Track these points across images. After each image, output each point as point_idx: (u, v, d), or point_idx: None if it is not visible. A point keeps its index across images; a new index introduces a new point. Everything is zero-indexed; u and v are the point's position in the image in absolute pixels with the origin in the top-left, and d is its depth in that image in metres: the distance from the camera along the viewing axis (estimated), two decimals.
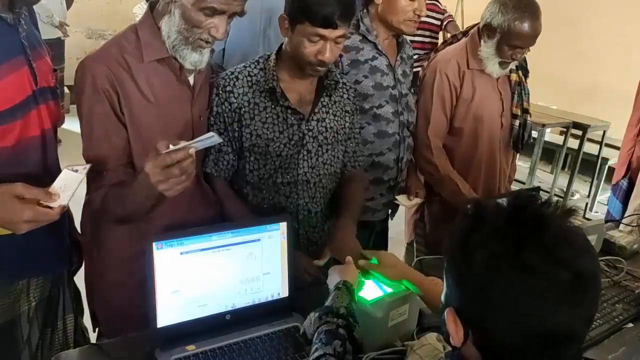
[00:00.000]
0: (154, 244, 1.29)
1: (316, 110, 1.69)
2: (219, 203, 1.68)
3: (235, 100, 1.62)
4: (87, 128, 1.39)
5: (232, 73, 1.64)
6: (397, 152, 2.07)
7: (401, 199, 2.19)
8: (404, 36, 2.11)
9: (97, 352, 1.32)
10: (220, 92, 1.63)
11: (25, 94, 1.28)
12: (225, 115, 1.63)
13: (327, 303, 1.25)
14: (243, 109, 1.62)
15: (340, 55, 1.90)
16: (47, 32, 4.69)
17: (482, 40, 2.11)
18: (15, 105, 1.25)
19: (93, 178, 1.39)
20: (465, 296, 0.82)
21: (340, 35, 1.54)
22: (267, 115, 1.63)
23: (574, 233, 0.80)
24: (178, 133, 1.45)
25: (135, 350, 1.31)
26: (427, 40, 3.82)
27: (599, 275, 0.81)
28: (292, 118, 1.64)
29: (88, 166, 1.26)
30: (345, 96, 1.78)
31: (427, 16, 3.12)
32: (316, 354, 1.09)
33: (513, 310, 0.76)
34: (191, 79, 1.50)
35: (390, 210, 2.25)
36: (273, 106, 1.63)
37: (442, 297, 0.89)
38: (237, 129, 1.63)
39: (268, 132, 1.63)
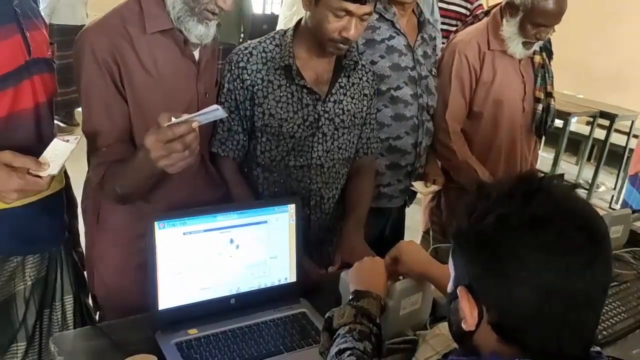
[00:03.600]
0: (155, 223, 1.24)
1: (333, 91, 1.62)
2: (225, 185, 1.63)
3: (248, 77, 1.55)
4: (87, 102, 1.35)
5: (246, 48, 1.58)
6: (415, 136, 1.97)
7: (418, 185, 2.10)
8: (424, 15, 2.01)
9: (97, 334, 1.28)
10: (233, 67, 1.56)
11: (17, 63, 1.24)
12: (237, 92, 1.57)
13: (361, 304, 1.14)
14: (256, 87, 1.56)
15: None
16: (70, 18, 4.66)
17: (504, 20, 2.01)
18: (5, 74, 1.21)
19: (92, 154, 1.35)
20: (477, 269, 0.78)
21: (367, 12, 1.47)
22: (282, 94, 1.57)
23: (580, 197, 0.79)
24: (182, 110, 1.39)
25: (136, 333, 1.27)
26: (454, 29, 3.70)
27: (609, 240, 0.78)
28: (308, 98, 1.58)
29: (79, 136, 1.22)
30: (365, 78, 1.71)
31: (456, 4, 3.00)
32: (344, 345, 1.01)
33: (526, 269, 0.73)
34: (196, 54, 1.44)
35: (407, 197, 2.17)
36: (288, 84, 1.57)
37: (450, 284, 0.85)
38: (249, 107, 1.57)
39: (282, 112, 1.57)
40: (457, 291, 0.80)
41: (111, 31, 1.32)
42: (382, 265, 1.32)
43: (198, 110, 1.41)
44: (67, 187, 1.50)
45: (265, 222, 1.39)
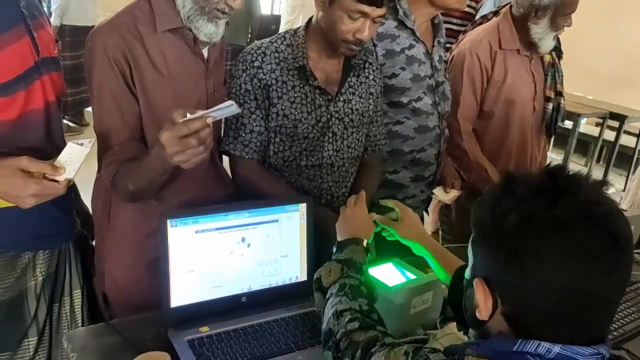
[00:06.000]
0: (168, 221, 1.25)
1: (343, 90, 1.62)
2: (233, 183, 1.62)
3: (264, 77, 1.54)
4: (98, 100, 1.35)
5: (259, 48, 1.57)
6: (437, 146, 1.93)
7: (438, 192, 2.06)
8: (439, 17, 1.95)
9: (109, 331, 1.29)
10: (248, 67, 1.55)
11: (27, 64, 1.25)
12: (256, 92, 1.55)
13: (345, 255, 1.18)
14: (272, 87, 1.55)
15: (375, 45, 1.79)
16: (81, 19, 4.68)
17: (530, 24, 2.01)
18: (17, 77, 1.22)
19: (104, 154, 1.36)
20: (496, 263, 0.78)
21: (382, 14, 1.46)
22: (296, 95, 1.56)
23: (608, 197, 0.77)
24: (191, 108, 1.40)
25: (148, 330, 1.27)
26: (461, 29, 3.69)
27: (632, 244, 0.77)
28: (320, 99, 1.58)
29: (93, 140, 1.23)
30: (372, 77, 1.70)
31: None
32: (340, 307, 1.02)
33: (546, 270, 0.73)
34: (205, 53, 1.45)
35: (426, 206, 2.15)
36: (302, 85, 1.56)
37: (468, 271, 0.85)
38: (267, 107, 1.56)
39: (296, 113, 1.56)
40: (474, 282, 0.81)
41: (122, 30, 1.32)
42: (365, 210, 1.35)
43: (207, 108, 1.42)
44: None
45: (277, 221, 1.40)
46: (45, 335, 1.43)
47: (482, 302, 0.79)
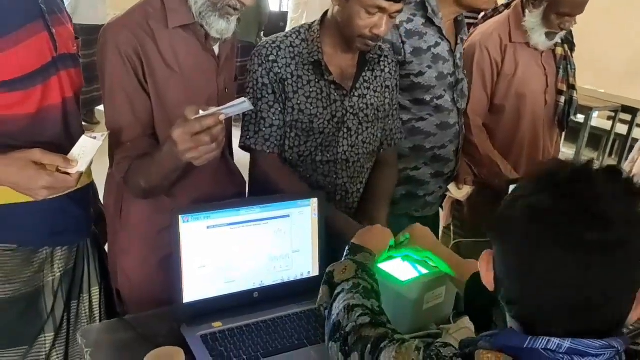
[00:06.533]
0: (180, 216, 1.25)
1: (357, 85, 1.60)
2: (244, 179, 1.62)
3: (279, 71, 1.53)
4: (110, 96, 1.36)
5: (274, 42, 1.56)
6: (456, 143, 1.94)
7: (452, 189, 2.07)
8: (462, 14, 1.93)
9: (123, 326, 1.29)
10: (264, 61, 1.54)
11: (45, 59, 1.26)
12: (274, 85, 1.54)
13: (360, 259, 1.18)
14: (287, 81, 1.54)
15: (403, 42, 1.79)
16: (91, 18, 4.70)
17: (526, 11, 1.99)
18: (34, 71, 1.22)
19: (116, 150, 1.36)
20: (498, 248, 0.79)
21: (399, 10, 1.45)
22: (311, 90, 1.55)
23: (623, 193, 0.74)
24: (202, 104, 1.40)
25: (162, 325, 1.28)
26: (470, 21, 3.67)
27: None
28: (335, 94, 1.57)
29: (106, 133, 1.25)
30: (387, 70, 1.68)
31: None
32: (353, 302, 1.01)
33: (545, 265, 0.72)
34: (216, 49, 1.44)
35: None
36: (317, 80, 1.56)
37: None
38: (284, 100, 1.55)
39: (311, 108, 1.55)
40: (483, 252, 0.82)
41: (134, 26, 1.32)
42: (389, 234, 1.34)
43: (217, 105, 1.42)
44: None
45: (288, 216, 1.40)
46: (63, 331, 1.44)
47: (484, 272, 0.82)
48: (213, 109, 1.14)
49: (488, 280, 0.82)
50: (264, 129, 1.56)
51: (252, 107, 1.18)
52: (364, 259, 1.18)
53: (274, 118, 1.56)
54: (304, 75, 1.55)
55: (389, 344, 0.85)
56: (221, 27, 1.34)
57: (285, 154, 1.61)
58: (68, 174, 1.16)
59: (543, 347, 0.72)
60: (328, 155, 1.61)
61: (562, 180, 0.74)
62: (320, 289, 1.15)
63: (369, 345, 0.88)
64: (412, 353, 0.80)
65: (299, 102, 1.55)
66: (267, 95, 1.55)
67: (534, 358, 0.72)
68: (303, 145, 1.59)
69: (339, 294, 1.06)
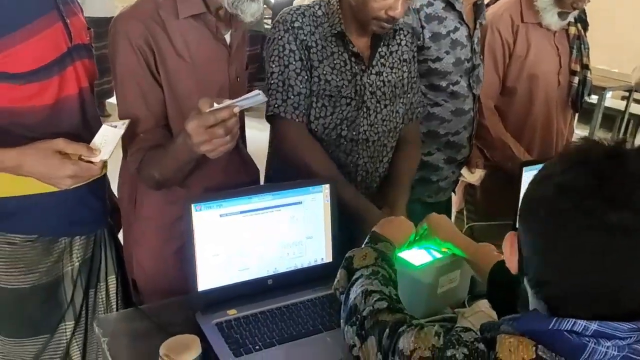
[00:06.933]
0: (192, 205, 1.25)
1: (374, 62, 1.58)
2: (257, 168, 1.61)
3: (305, 38, 1.50)
4: (122, 88, 1.35)
5: (298, 9, 1.53)
6: (470, 129, 1.93)
7: (465, 173, 2.06)
8: None
9: (139, 316, 1.30)
10: (289, 27, 1.50)
11: (61, 50, 1.26)
12: (301, 52, 1.50)
13: (380, 248, 1.17)
14: (312, 49, 1.51)
15: (423, 27, 1.76)
16: (101, 10, 4.70)
17: None
18: (51, 62, 1.23)
19: (129, 141, 1.36)
20: (524, 229, 0.77)
21: None
22: (335, 62, 1.53)
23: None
24: (214, 94, 1.39)
25: (177, 314, 1.29)
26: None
27: None
28: (356, 68, 1.55)
29: (127, 121, 1.26)
30: (403, 42, 1.65)
31: None
32: (371, 287, 1.00)
33: (572, 245, 0.70)
34: (227, 38, 1.43)
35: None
36: (340, 52, 1.53)
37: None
38: (309, 68, 1.52)
39: (337, 80, 1.53)
40: (508, 233, 0.80)
41: (144, 17, 1.32)
42: (411, 227, 1.33)
43: (229, 94, 1.42)
44: None
45: (300, 202, 1.39)
46: (82, 320, 1.47)
47: (508, 254, 0.80)
48: (227, 102, 1.14)
49: (512, 262, 0.80)
50: (292, 96, 1.52)
51: (266, 99, 1.17)
52: (385, 249, 1.17)
53: (301, 86, 1.52)
54: (327, 46, 1.52)
55: (407, 328, 0.84)
56: (254, 10, 1.33)
57: (311, 124, 1.57)
58: (91, 162, 1.17)
59: (569, 329, 0.70)
60: (352, 133, 1.58)
61: (594, 159, 0.72)
62: (338, 272, 1.15)
63: (387, 330, 0.87)
64: (432, 338, 0.79)
65: (324, 72, 1.52)
66: (294, 62, 1.51)
67: (557, 341, 0.70)
68: (329, 116, 1.56)
69: (357, 279, 1.05)
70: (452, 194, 2.13)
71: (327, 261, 1.44)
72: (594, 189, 0.70)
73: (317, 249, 1.43)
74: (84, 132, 1.30)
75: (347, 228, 1.50)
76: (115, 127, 1.21)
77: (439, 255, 1.39)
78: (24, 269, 1.34)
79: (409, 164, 1.73)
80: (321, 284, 1.40)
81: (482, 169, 2.06)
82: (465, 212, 2.29)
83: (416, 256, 1.38)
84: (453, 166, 1.96)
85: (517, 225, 0.82)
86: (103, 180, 1.44)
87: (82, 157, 1.16)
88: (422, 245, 1.39)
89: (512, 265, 0.80)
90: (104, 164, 1.20)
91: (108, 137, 1.20)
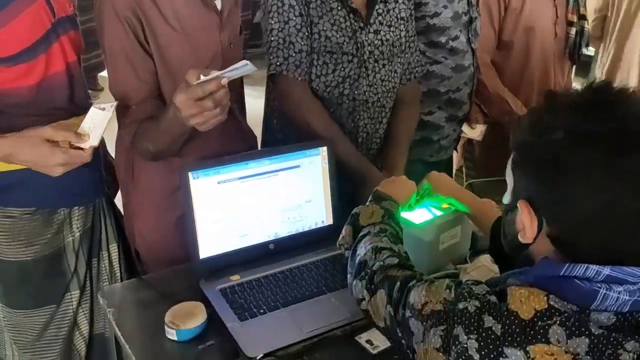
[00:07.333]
0: (189, 173, 1.25)
1: (372, 20, 1.54)
2: (255, 137, 1.60)
3: None
4: (112, 61, 1.33)
5: None
6: (470, 85, 1.90)
7: (465, 129, 2.04)
8: None
9: (143, 285, 1.31)
10: None
11: (45, 27, 1.24)
12: (300, 7, 1.45)
13: (386, 206, 1.15)
14: (311, 4, 1.47)
15: None
16: None
17: None
18: (36, 41, 1.22)
19: (122, 114, 1.34)
20: (540, 184, 0.75)
21: None
22: (335, 18, 1.49)
23: None
24: (207, 62, 1.37)
25: (180, 283, 1.29)
26: None
27: None
28: (356, 25, 1.51)
29: (115, 103, 1.24)
30: (401, 0, 1.62)
31: None
32: (380, 244, 1.00)
33: (593, 188, 0.70)
34: (218, 4, 1.39)
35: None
36: (339, 8, 1.49)
37: (507, 196, 0.82)
38: (309, 24, 1.48)
39: (338, 36, 1.49)
40: (518, 204, 0.78)
41: None
42: (413, 186, 1.32)
43: (223, 62, 1.39)
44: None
45: (298, 166, 1.38)
46: (87, 289, 1.48)
47: (528, 224, 0.76)
48: (215, 73, 1.11)
49: (531, 230, 0.77)
50: (293, 54, 1.48)
51: (254, 69, 1.15)
52: (390, 207, 1.16)
53: (302, 43, 1.48)
54: (326, 1, 1.48)
55: (418, 283, 0.84)
56: None
57: (312, 83, 1.54)
58: (81, 148, 1.16)
59: (581, 274, 0.70)
60: (355, 92, 1.56)
61: (602, 102, 0.72)
62: (344, 228, 1.13)
63: (397, 284, 0.87)
64: (444, 291, 0.78)
65: (324, 28, 1.48)
66: (294, 18, 1.47)
67: (568, 289, 0.70)
68: (331, 74, 1.53)
69: (364, 236, 1.05)
70: (455, 152, 2.12)
71: (328, 224, 1.44)
72: (604, 132, 0.69)
73: (318, 212, 1.43)
74: (74, 108, 1.28)
75: (346, 191, 1.49)
76: (104, 109, 1.19)
77: (439, 213, 1.39)
78: (25, 242, 1.35)
79: (407, 124, 1.71)
80: (323, 246, 1.40)
81: (482, 124, 2.04)
82: (464, 170, 2.28)
83: (416, 215, 1.38)
84: (454, 124, 1.95)
85: (512, 181, 0.81)
86: (98, 150, 1.43)
87: (72, 143, 1.15)
88: (423, 204, 1.39)
89: (531, 232, 0.77)
90: (94, 149, 1.18)
91: (97, 121, 1.19)
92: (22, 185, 1.30)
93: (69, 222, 1.42)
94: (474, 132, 2.03)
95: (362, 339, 1.15)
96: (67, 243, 1.42)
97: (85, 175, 1.37)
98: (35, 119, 1.24)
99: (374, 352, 1.12)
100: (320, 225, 1.44)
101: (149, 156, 1.37)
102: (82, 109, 1.23)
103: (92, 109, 1.19)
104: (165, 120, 1.23)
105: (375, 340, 1.14)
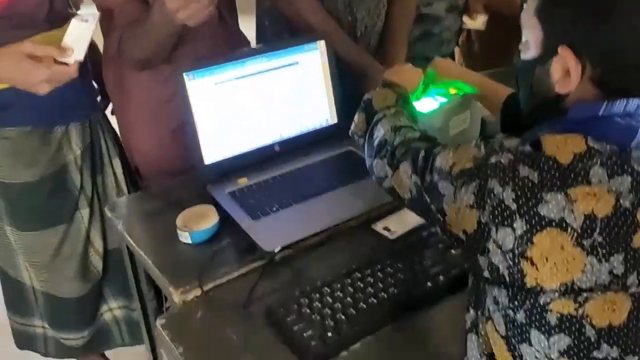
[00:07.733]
0: (184, 74, 1.18)
1: None
2: (247, 41, 1.52)
3: None
4: None
5: None
6: None
7: (466, 20, 1.94)
8: None
9: (149, 197, 1.28)
10: None
11: None
12: None
13: (399, 90, 1.10)
14: None
15: None
16: None
17: None
18: None
19: (105, 21, 1.26)
20: (582, 20, 0.70)
21: None
22: None
23: None
24: None
25: (188, 191, 1.26)
26: None
27: None
28: None
29: (98, 14, 1.15)
30: None
31: None
32: (399, 124, 0.95)
33: None
34: None
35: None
36: None
37: (532, 50, 0.76)
38: None
39: None
40: (559, 50, 0.71)
41: None
42: (420, 73, 1.26)
43: None
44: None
45: (297, 63, 1.32)
46: (95, 206, 1.46)
47: (573, 67, 0.71)
48: None
49: (576, 75, 0.71)
50: None
51: None
52: (403, 91, 1.11)
53: None
54: None
55: (443, 149, 0.80)
56: None
57: None
58: (66, 64, 1.09)
59: (621, 111, 0.66)
60: None
61: None
62: (355, 116, 1.08)
63: (421, 153, 0.82)
64: (472, 149, 0.73)
65: None
66: None
67: (605, 127, 0.66)
68: None
69: (380, 119, 1.00)
70: (458, 47, 2.04)
71: (333, 123, 1.40)
72: None
73: (321, 111, 1.38)
74: (53, 18, 1.20)
75: (346, 94, 1.43)
76: (87, 20, 1.11)
77: (444, 100, 1.35)
78: (26, 162, 1.32)
79: (402, 20, 1.64)
80: (329, 145, 1.37)
81: (484, 13, 1.95)
82: (463, 64, 2.21)
83: (423, 105, 1.34)
84: (455, 14, 1.86)
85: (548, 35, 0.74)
86: (85, 64, 1.37)
87: (56, 59, 1.08)
88: (429, 93, 1.34)
89: (576, 76, 0.71)
90: (79, 64, 1.11)
91: (80, 35, 1.11)
92: (14, 104, 1.25)
93: (68, 140, 1.38)
94: (476, 22, 1.94)
95: (377, 226, 1.14)
96: (69, 161, 1.39)
97: (77, 89, 1.31)
98: (12, 33, 1.16)
99: (392, 237, 1.11)
100: (325, 124, 1.39)
101: (137, 64, 1.30)
102: (63, 20, 1.14)
103: (73, 22, 1.11)
104: (152, 22, 1.16)
105: (393, 227, 1.13)
